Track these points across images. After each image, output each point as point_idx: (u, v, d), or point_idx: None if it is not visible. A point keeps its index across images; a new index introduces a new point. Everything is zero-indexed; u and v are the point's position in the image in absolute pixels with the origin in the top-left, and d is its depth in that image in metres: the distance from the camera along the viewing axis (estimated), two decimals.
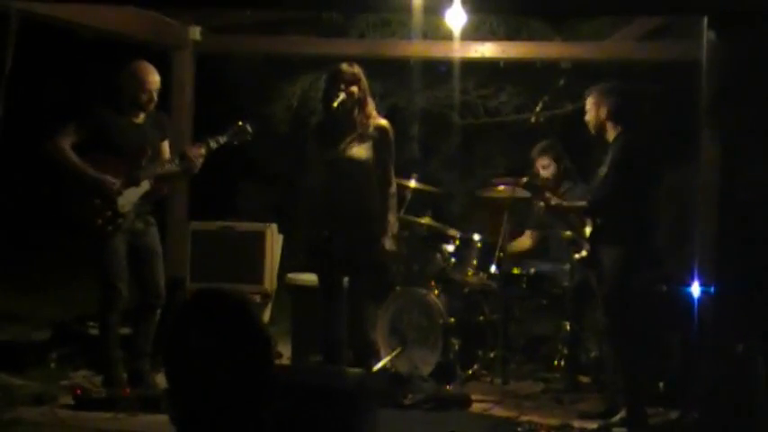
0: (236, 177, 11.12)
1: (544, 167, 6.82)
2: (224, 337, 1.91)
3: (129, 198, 5.78)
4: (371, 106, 5.71)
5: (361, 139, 5.61)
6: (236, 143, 6.00)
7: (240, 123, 6.00)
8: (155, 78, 5.81)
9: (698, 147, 5.19)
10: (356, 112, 5.59)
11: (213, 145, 5.91)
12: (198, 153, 5.84)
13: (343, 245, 5.59)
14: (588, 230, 5.72)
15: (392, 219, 5.69)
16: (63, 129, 5.74)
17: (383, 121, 5.72)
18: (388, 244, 5.62)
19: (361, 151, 5.60)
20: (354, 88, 5.56)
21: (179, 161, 5.89)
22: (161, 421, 5.22)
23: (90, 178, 5.68)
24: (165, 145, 6.05)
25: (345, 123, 5.61)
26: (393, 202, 5.73)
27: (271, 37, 7.85)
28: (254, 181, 11.02)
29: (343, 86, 5.55)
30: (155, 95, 5.84)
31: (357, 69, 5.63)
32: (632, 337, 5.54)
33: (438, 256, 6.91)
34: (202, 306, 1.97)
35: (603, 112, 5.59)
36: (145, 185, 5.84)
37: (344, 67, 5.61)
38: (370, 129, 5.63)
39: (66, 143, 5.70)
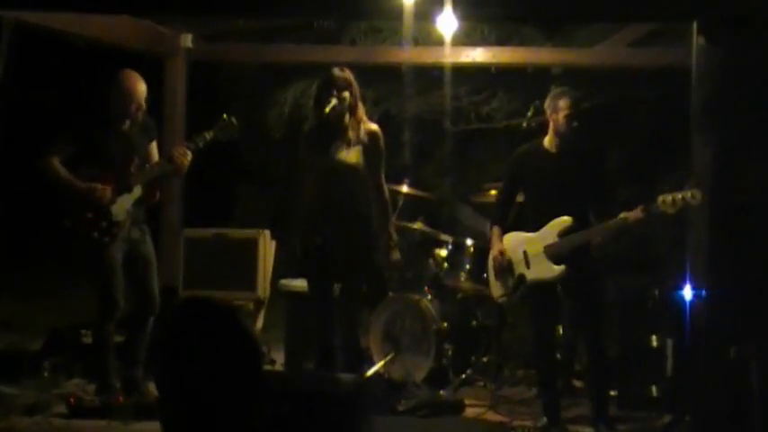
0: (229, 184, 11.12)
1: None
2: (211, 344, 1.92)
3: (122, 206, 5.78)
4: (362, 111, 5.71)
5: (353, 144, 5.60)
6: (222, 138, 5.93)
7: (225, 117, 5.95)
8: (141, 88, 5.78)
9: (689, 152, 5.21)
10: (348, 117, 5.59)
11: (200, 142, 5.85)
12: (183, 152, 5.78)
13: (334, 250, 5.59)
14: None
15: (392, 229, 5.74)
16: (51, 146, 5.77)
17: (374, 127, 5.72)
18: (394, 255, 5.69)
19: (352, 156, 5.59)
20: (346, 93, 5.55)
21: (167, 164, 5.88)
22: (154, 429, 5.19)
23: (80, 191, 5.69)
24: (154, 147, 6.04)
25: (337, 129, 5.61)
26: (389, 211, 5.78)
27: (263, 44, 7.86)
28: (247, 188, 11.02)
29: (335, 92, 5.53)
30: (143, 104, 5.82)
31: (348, 74, 5.62)
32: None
33: (431, 261, 6.91)
34: (190, 314, 1.97)
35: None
36: (137, 191, 5.83)
37: (336, 72, 5.60)
38: (362, 134, 5.63)
39: (55, 160, 5.72)
